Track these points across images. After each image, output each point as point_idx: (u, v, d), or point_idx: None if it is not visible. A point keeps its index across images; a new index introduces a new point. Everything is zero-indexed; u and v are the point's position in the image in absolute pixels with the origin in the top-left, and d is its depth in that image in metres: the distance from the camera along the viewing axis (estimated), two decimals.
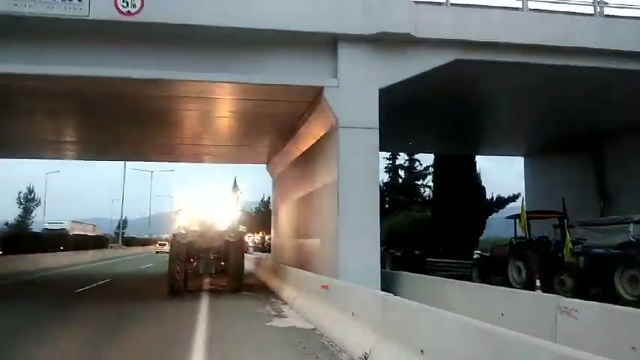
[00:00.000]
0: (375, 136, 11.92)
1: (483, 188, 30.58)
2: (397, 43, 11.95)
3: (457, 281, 10.25)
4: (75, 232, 44.58)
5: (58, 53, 11.28)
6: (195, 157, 24.31)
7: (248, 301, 13.00)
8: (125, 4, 10.69)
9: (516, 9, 12.67)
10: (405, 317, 5.23)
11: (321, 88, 12.08)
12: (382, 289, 11.20)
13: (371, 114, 11.91)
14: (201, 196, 14.94)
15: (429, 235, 29.58)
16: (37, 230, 41.97)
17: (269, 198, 70.75)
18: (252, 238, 53.50)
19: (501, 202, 31.38)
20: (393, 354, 5.19)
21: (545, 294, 7.02)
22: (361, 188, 11.78)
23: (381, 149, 12.79)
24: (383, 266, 12.75)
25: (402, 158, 40.32)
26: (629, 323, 5.38)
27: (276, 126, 16.81)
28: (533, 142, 24.91)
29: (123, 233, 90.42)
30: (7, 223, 44.52)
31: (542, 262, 14.28)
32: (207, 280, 16.37)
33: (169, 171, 77.65)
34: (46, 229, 43.99)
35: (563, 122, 19.54)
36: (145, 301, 12.68)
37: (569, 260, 13.90)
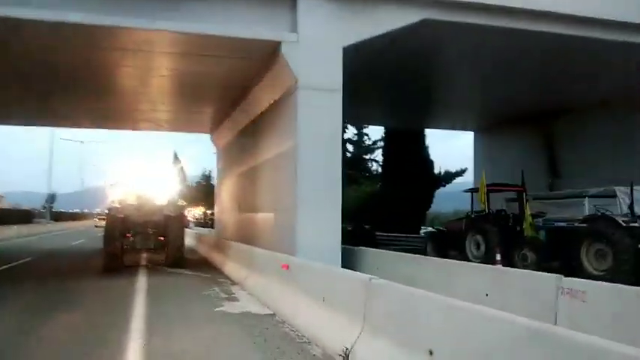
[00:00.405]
0: (338, 100, 10.75)
1: (432, 162, 30.43)
2: None
3: (431, 258, 9.46)
4: None
5: None
6: (132, 124, 22.17)
7: (192, 280, 11.70)
8: None
9: None
10: (402, 307, 4.18)
11: (278, 44, 10.72)
12: (342, 267, 10.31)
13: (334, 74, 10.71)
14: (138, 169, 14.33)
15: (378, 209, 29.13)
16: None
17: (210, 172, 68.61)
18: (192, 213, 51.34)
19: (449, 176, 31.37)
20: (386, 351, 4.16)
21: (544, 273, 6.21)
22: (322, 157, 10.64)
23: None
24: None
25: (350, 132, 39.56)
26: None
27: (223, 89, 15.23)
28: (484, 117, 24.75)
29: (51, 207, 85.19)
30: None
31: (502, 237, 13.86)
32: (145, 256, 15.59)
33: (101, 141, 73.46)
34: None
35: (514, 97, 19.37)
36: (74, 281, 11.07)
37: (528, 234, 13.55)
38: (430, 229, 31.63)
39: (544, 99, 19.35)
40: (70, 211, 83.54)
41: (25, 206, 70.98)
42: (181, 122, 21.70)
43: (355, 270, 8.23)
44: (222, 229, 21.71)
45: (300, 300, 6.72)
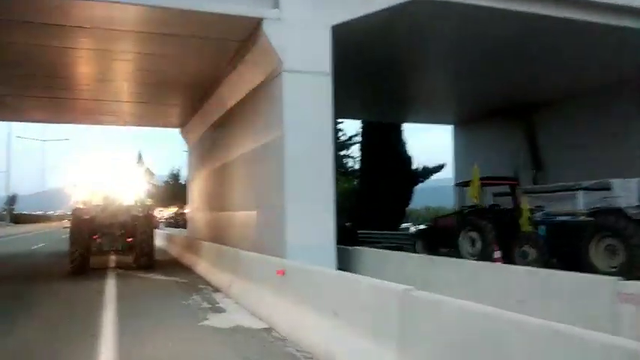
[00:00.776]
0: (327, 84, 9.71)
1: (410, 158, 29.75)
2: None
3: (449, 258, 8.49)
4: None
5: None
6: (94, 118, 20.50)
7: (168, 286, 10.51)
8: None
9: None
10: (468, 334, 3.15)
11: (259, 21, 9.58)
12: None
13: (323, 56, 9.67)
14: (103, 168, 13.74)
15: (357, 206, 28.28)
16: None
17: (178, 170, 66.70)
18: (162, 213, 49.44)
19: (427, 172, 30.74)
20: None
21: (597, 275, 5.34)
22: (312, 147, 9.59)
23: None
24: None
25: None
26: None
27: (194, 77, 13.93)
28: (463, 110, 24.16)
29: (12, 209, 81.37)
30: None
31: (498, 232, 13.11)
32: (113, 258, 15.06)
33: (64, 140, 70.27)
34: None
35: (495, 89, 18.83)
36: (34, 290, 9.68)
37: (526, 229, 12.84)
38: (410, 226, 31.03)
39: (525, 90, 18.86)
40: (32, 213, 79.97)
41: None
42: (148, 116, 20.22)
43: (352, 272, 7.26)
44: (196, 230, 20.40)
45: (303, 313, 5.67)
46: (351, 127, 35.74)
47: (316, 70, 9.60)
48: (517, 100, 20.17)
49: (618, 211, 10.45)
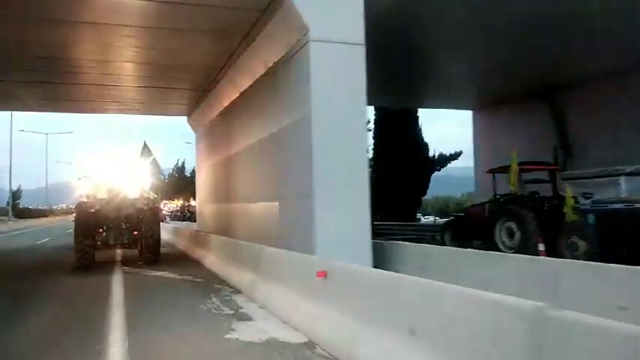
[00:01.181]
0: (360, 56, 8.51)
1: (427, 145, 28.54)
2: None
3: (517, 255, 7.30)
4: None
5: None
6: (98, 106, 19.37)
7: (181, 286, 9.43)
8: None
9: None
10: None
11: None
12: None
13: (355, 22, 8.45)
14: (107, 161, 13.60)
15: (370, 196, 27.09)
16: None
17: (183, 163, 65.85)
18: (168, 206, 48.49)
19: (443, 160, 29.52)
20: None
21: None
22: (343, 129, 8.42)
23: None
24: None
25: None
26: None
27: (206, 56, 12.73)
28: (484, 94, 22.85)
29: (17, 204, 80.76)
30: None
31: (540, 222, 11.94)
32: (119, 252, 14.86)
33: (67, 133, 69.37)
34: None
35: (518, 71, 17.57)
36: (35, 293, 8.60)
37: (572, 219, 11.67)
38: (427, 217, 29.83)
39: (553, 70, 17.56)
40: (37, 207, 79.33)
41: None
42: (153, 103, 19.04)
43: (388, 269, 6.13)
44: (205, 223, 19.31)
45: (356, 327, 4.53)
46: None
47: (347, 40, 8.40)
48: (544, 80, 18.89)
49: None
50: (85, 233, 11.71)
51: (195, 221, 32.73)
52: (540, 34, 13.25)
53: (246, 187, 13.15)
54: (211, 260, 11.91)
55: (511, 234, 12.55)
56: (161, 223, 15.25)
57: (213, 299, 7.98)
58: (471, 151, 26.59)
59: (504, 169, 13.37)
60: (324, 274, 5.46)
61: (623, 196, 12.11)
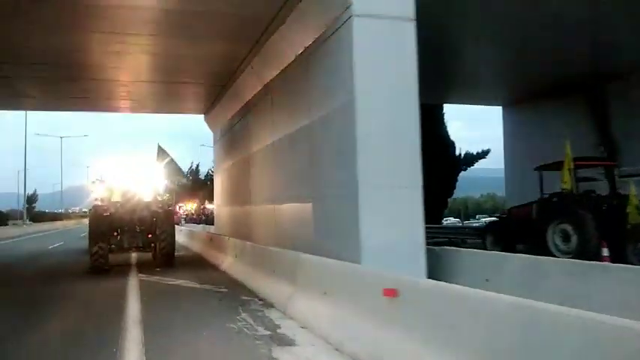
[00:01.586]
0: (411, 34, 7.38)
1: (453, 143, 27.25)
2: None
3: (625, 266, 6.07)
4: None
5: None
6: (111, 104, 18.50)
7: (204, 298, 8.35)
8: None
9: None
10: None
11: None
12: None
13: None
14: (122, 164, 13.58)
15: None
16: None
17: (197, 166, 65.16)
18: (183, 209, 47.70)
19: (470, 159, 28.20)
20: None
21: None
22: (393, 116, 7.29)
23: None
24: None
25: None
26: None
27: (227, 43, 11.66)
28: (516, 88, 21.54)
29: (33, 207, 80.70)
30: None
31: (599, 224, 10.69)
32: (134, 255, 14.66)
33: (83, 136, 69.06)
34: None
35: (553, 63, 16.23)
36: (40, 309, 7.59)
37: (637, 220, 10.43)
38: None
39: (594, 60, 16.23)
40: (53, 211, 79.26)
41: (3, 209, 66.41)
42: (168, 101, 18.07)
43: (447, 281, 5.00)
44: (224, 226, 18.28)
45: None
46: None
47: (396, 15, 7.28)
48: (583, 72, 17.56)
49: None
50: (99, 236, 11.60)
51: (211, 224, 31.84)
52: (580, 19, 12.03)
53: (270, 188, 12.07)
54: (233, 266, 10.87)
55: (566, 237, 11.31)
56: (176, 226, 15.11)
57: (244, 315, 6.88)
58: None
59: (556, 166, 12.13)
60: (393, 293, 4.33)
61: None
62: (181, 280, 10.34)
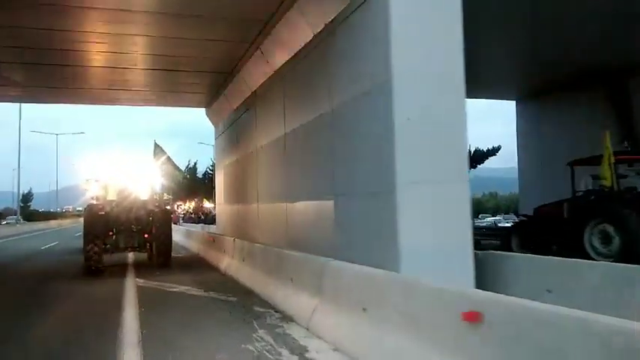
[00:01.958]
0: (456, 3, 6.31)
1: None
2: None
3: None
4: None
5: None
6: (106, 96, 17.35)
7: (211, 309, 7.30)
8: None
9: None
10: None
11: None
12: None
13: None
14: (117, 161, 13.25)
15: None
16: None
17: (195, 164, 64.04)
18: (181, 208, 46.56)
19: (480, 156, 27.21)
20: None
21: None
22: (436, 99, 6.23)
23: None
24: None
25: None
26: None
27: (232, 26, 10.59)
28: (531, 80, 20.52)
29: (29, 206, 79.43)
30: None
31: None
32: (130, 255, 14.37)
33: (79, 133, 67.86)
34: None
35: (570, 55, 15.25)
36: (26, 321, 6.51)
37: None
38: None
39: (612, 53, 15.23)
40: (49, 210, 78.12)
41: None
42: (167, 91, 16.94)
43: (497, 290, 3.98)
44: (227, 226, 17.20)
45: None
46: None
47: None
48: (606, 64, 16.57)
49: None
50: (94, 236, 11.31)
51: (209, 223, 30.72)
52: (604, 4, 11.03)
53: (282, 184, 11.00)
54: (240, 271, 9.85)
55: (607, 239, 10.27)
56: (174, 226, 14.85)
57: (261, 332, 5.82)
58: None
59: (594, 160, 11.09)
60: (475, 317, 3.26)
61: None
62: (183, 287, 9.31)
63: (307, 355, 4.90)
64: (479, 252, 6.91)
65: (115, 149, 14.13)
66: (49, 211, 75.23)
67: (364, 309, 4.83)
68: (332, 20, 7.75)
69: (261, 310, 7.06)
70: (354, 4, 7.01)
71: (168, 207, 14.52)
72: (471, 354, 3.28)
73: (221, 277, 10.70)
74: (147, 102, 18.77)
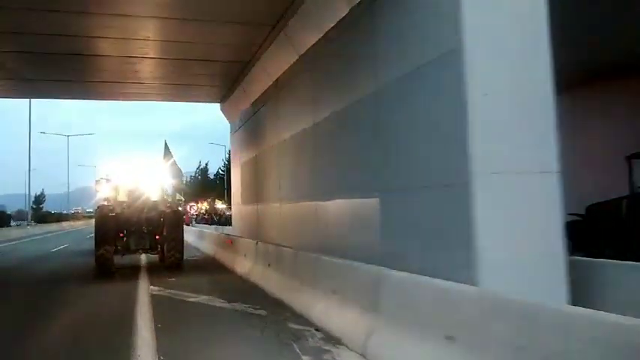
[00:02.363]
0: None
1: None
2: None
3: None
4: None
5: None
6: (117, 91, 16.36)
7: (240, 327, 6.15)
8: None
9: None
10: None
11: None
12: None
13: None
14: (128, 162, 13.12)
15: None
16: None
17: (206, 164, 63.40)
18: (194, 209, 45.68)
19: None
20: None
21: None
22: (518, 75, 5.06)
23: None
24: None
25: None
26: None
27: (253, 5, 9.51)
28: (565, 71, 19.09)
29: (41, 208, 79.19)
30: None
31: None
32: (143, 257, 14.21)
33: (89, 134, 67.50)
34: None
35: (615, 38, 13.82)
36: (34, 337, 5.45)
37: None
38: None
39: None
40: (61, 211, 77.90)
41: (12, 209, 64.97)
42: (179, 84, 15.88)
43: (599, 306, 2.75)
44: (245, 228, 16.11)
45: None
46: None
47: None
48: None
49: None
50: (104, 238, 11.22)
51: (223, 224, 29.73)
52: None
53: (309, 181, 9.87)
54: (265, 278, 8.79)
55: None
56: (187, 227, 14.64)
57: (304, 357, 4.70)
58: None
59: None
60: None
61: None
62: (203, 296, 8.25)
63: None
64: (572, 257, 5.69)
65: (126, 150, 13.14)
66: (62, 213, 74.84)
67: (451, 337, 3.67)
68: None
69: (299, 327, 5.94)
70: None
71: (180, 208, 14.19)
72: None
73: (244, 284, 9.61)
74: (158, 96, 17.76)
